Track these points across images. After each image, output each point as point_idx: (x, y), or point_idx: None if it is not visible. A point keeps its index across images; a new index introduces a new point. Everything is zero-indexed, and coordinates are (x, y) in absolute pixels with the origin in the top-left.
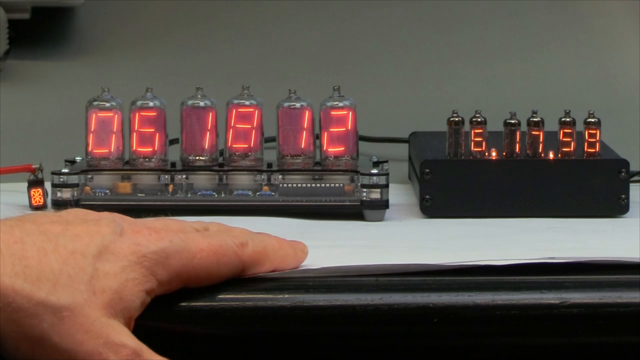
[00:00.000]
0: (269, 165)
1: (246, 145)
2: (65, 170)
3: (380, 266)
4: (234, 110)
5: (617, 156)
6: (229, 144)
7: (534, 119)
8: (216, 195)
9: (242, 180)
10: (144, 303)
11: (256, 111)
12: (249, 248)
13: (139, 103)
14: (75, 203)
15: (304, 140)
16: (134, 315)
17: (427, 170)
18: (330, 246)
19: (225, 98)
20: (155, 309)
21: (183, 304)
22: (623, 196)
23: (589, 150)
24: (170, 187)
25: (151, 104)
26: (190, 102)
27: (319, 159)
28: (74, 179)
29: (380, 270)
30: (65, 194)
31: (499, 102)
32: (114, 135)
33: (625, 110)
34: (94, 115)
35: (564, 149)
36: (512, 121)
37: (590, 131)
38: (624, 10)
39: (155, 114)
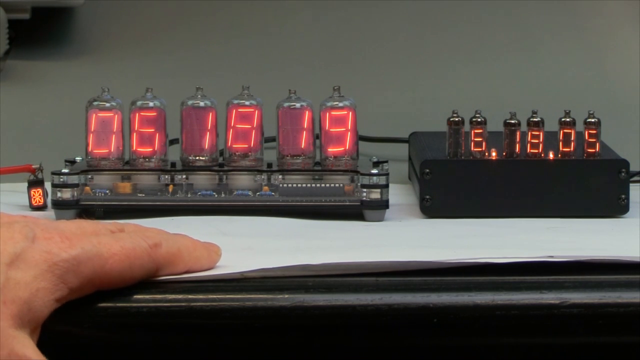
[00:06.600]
0: (269, 165)
1: (246, 145)
2: (65, 170)
3: (380, 264)
4: (234, 110)
5: (617, 156)
6: (229, 144)
7: (534, 119)
8: (216, 195)
9: (242, 180)
10: (53, 310)
11: (256, 111)
12: (162, 249)
13: (139, 103)
14: (75, 203)
15: (304, 140)
16: (40, 323)
17: (427, 170)
18: (330, 246)
19: (225, 98)
20: (156, 308)
21: (183, 303)
22: (623, 196)
23: (589, 150)
24: (170, 187)
25: (151, 104)
26: (190, 102)
27: (319, 159)
28: (74, 179)
29: (380, 268)
30: (65, 194)
31: (499, 102)
32: (114, 136)
33: (625, 110)
34: (94, 115)
35: (564, 149)
36: (512, 121)
37: (590, 131)
38: (624, 10)
39: (155, 114)
